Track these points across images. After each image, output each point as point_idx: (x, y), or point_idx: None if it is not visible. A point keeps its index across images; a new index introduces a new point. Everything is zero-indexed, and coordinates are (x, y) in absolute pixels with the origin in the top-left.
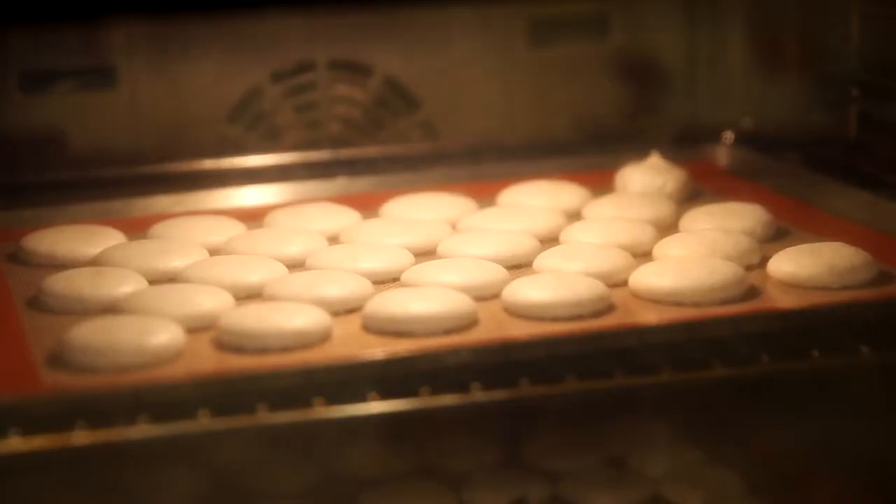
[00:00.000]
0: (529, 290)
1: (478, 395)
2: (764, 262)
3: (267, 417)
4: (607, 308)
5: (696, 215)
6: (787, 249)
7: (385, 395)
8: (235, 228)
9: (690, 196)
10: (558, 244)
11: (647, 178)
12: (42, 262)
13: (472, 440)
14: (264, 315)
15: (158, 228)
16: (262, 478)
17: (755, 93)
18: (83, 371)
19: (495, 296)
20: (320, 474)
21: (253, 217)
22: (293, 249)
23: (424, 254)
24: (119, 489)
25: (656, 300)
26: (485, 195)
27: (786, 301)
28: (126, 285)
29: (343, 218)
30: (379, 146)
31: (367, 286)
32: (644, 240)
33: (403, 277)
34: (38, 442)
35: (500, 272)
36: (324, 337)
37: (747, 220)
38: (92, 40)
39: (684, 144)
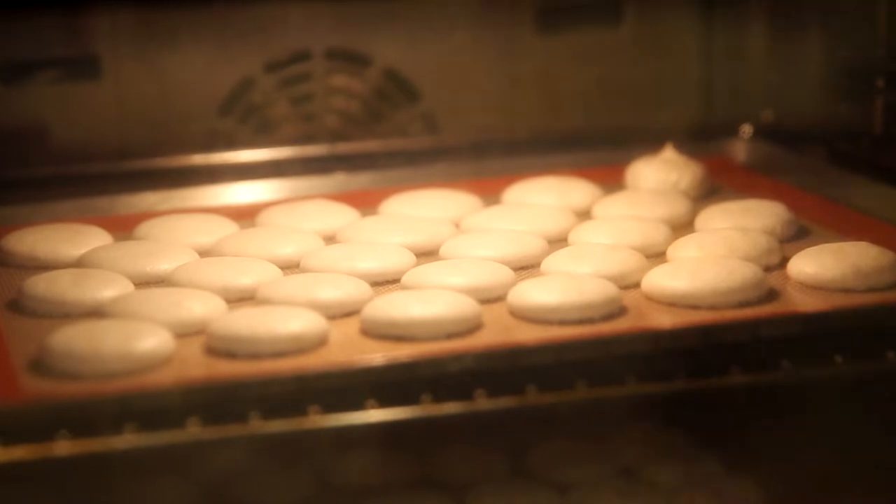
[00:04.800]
0: (537, 293)
1: (482, 402)
2: (784, 262)
3: (259, 426)
4: (619, 311)
5: (712, 213)
6: (808, 249)
7: (384, 402)
8: (226, 228)
9: (707, 193)
10: (567, 245)
11: (660, 174)
12: (22, 263)
13: (476, 450)
14: (257, 319)
15: (145, 227)
16: (254, 489)
17: (776, 84)
18: (66, 378)
19: (501, 298)
20: (315, 486)
21: (245, 215)
22: (287, 250)
23: (426, 254)
24: (104, 502)
25: (671, 303)
26: (489, 192)
27: (807, 304)
28: (111, 288)
29: (340, 216)
30: (378, 140)
31: (366, 288)
32: (658, 240)
33: (404, 279)
34: (19, 452)
35: (505, 274)
36: (320, 342)
37: (767, 219)
38: (75, 28)
39: (700, 138)
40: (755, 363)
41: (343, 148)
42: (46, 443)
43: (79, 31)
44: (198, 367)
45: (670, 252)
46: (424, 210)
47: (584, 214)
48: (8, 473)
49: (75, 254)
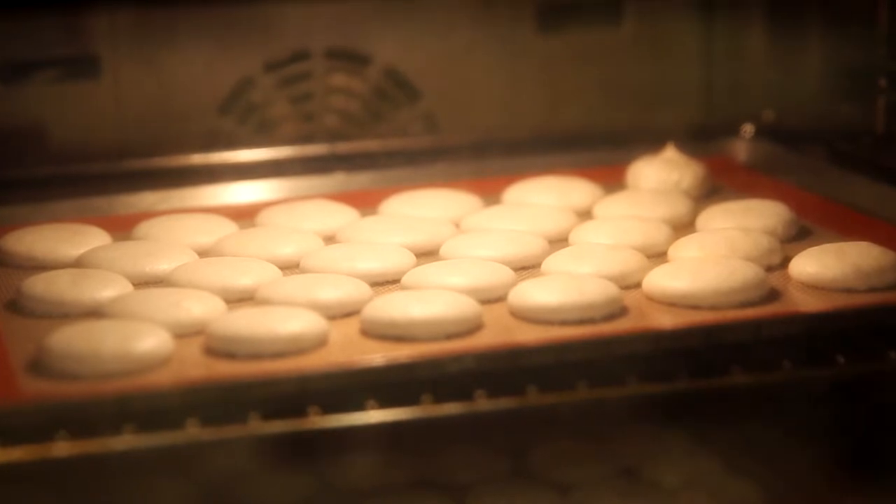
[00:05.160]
0: (537, 293)
1: (483, 403)
2: (786, 262)
3: (259, 427)
4: (620, 311)
5: (713, 213)
6: (810, 249)
7: (384, 403)
8: (226, 228)
9: (708, 193)
10: (568, 245)
11: (661, 174)
12: (21, 263)
13: (476, 451)
14: (257, 319)
15: (144, 227)
16: (254, 490)
17: (777, 83)
18: (64, 378)
19: (501, 299)
20: (315, 487)
21: (244, 215)
22: (287, 250)
23: (426, 254)
24: (103, 503)
25: (672, 303)
26: (490, 192)
27: (809, 304)
28: (110, 288)
29: (340, 216)
30: (378, 140)
31: (366, 289)
32: (659, 240)
33: (404, 279)
34: (17, 454)
35: (506, 274)
36: (320, 342)
37: (768, 219)
38: (74, 28)
39: (701, 138)
40: (756, 363)
41: (343, 148)
42: (45, 443)
43: (78, 31)
44: (197, 367)
45: (671, 252)
46: (424, 210)
47: (585, 214)
48: (7, 474)
49: (74, 254)
